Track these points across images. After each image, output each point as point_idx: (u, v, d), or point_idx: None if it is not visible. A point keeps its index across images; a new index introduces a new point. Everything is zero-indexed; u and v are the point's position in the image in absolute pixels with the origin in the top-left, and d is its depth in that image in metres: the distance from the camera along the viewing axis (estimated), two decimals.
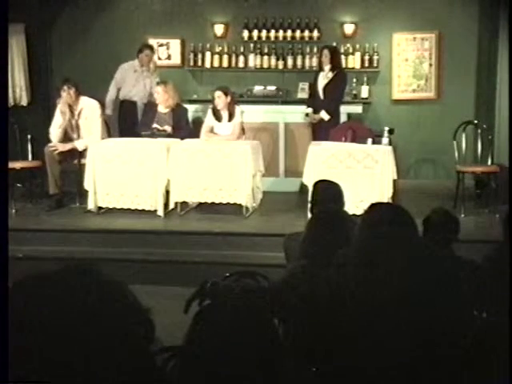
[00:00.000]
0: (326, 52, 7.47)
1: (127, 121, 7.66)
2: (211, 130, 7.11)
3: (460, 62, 8.34)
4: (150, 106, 7.33)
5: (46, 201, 7.03)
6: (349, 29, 8.48)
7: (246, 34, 8.54)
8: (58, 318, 1.18)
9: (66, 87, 6.86)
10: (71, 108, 6.99)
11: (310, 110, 7.53)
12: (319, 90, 7.50)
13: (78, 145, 6.95)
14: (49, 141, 7.02)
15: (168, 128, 7.07)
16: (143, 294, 1.43)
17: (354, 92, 8.48)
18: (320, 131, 7.35)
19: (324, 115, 7.36)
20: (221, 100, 6.96)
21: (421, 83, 8.50)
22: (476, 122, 7.49)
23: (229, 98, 6.96)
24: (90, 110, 7.04)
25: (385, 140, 6.74)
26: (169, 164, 6.56)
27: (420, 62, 8.47)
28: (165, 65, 8.80)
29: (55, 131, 7.00)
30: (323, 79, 7.49)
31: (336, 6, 8.48)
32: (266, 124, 7.86)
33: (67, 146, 6.91)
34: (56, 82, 8.54)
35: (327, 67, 7.45)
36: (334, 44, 8.06)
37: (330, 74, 7.43)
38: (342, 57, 8.21)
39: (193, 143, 6.82)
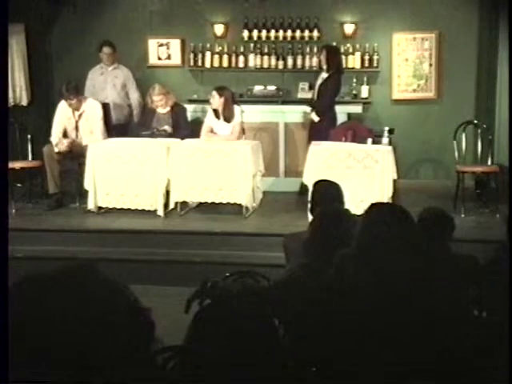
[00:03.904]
0: (323, 51, 7.45)
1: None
2: (211, 130, 7.11)
3: (460, 62, 8.34)
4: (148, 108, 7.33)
5: (45, 201, 7.03)
6: (349, 29, 8.46)
7: (245, 33, 8.52)
8: (58, 318, 1.18)
9: (66, 93, 6.82)
10: (73, 110, 7.00)
11: (309, 109, 7.51)
12: (315, 91, 7.51)
13: (81, 140, 6.95)
14: (49, 140, 7.02)
15: (168, 128, 7.08)
16: (143, 293, 1.43)
17: (354, 92, 8.46)
18: (315, 132, 7.28)
19: (313, 116, 7.32)
20: (215, 100, 6.96)
21: (421, 83, 8.49)
22: (476, 122, 7.49)
23: (223, 99, 6.94)
24: (91, 112, 7.05)
25: (385, 140, 6.74)
26: (169, 164, 6.56)
27: (420, 61, 8.47)
28: (165, 65, 8.80)
29: (56, 132, 6.99)
30: (320, 79, 7.48)
31: (336, 6, 8.47)
32: (265, 124, 7.85)
33: (69, 143, 6.89)
34: (56, 82, 8.56)
35: (324, 67, 7.43)
36: (334, 44, 8.04)
37: (325, 75, 7.41)
38: (342, 57, 8.16)
39: (193, 143, 6.82)
